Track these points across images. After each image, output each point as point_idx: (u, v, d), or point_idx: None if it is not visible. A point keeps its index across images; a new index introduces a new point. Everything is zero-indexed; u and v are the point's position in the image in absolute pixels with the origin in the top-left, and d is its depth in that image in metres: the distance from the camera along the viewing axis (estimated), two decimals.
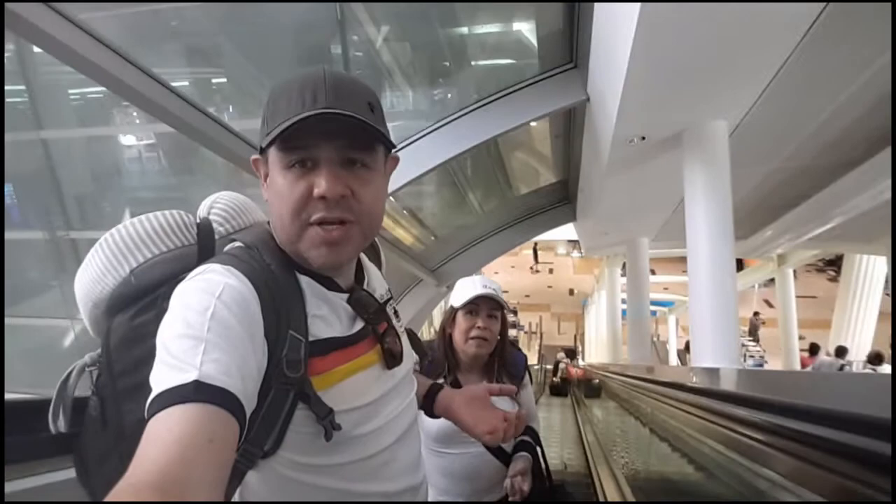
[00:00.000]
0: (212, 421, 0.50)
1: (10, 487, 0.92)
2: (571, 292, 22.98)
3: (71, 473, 0.86)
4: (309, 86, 0.67)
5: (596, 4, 2.64)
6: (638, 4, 1.99)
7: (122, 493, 0.43)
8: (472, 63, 3.89)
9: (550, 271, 24.81)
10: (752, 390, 0.99)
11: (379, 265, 0.95)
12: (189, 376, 0.52)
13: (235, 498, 0.68)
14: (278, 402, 0.64)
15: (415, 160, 3.57)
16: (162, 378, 0.53)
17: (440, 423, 1.46)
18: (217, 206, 0.83)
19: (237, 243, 0.73)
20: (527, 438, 1.63)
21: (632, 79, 2.61)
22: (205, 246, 0.78)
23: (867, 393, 0.72)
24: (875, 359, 7.19)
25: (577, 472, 4.55)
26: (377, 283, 0.86)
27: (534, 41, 3.67)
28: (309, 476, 0.68)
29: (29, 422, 0.86)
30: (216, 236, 0.80)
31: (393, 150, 0.77)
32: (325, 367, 0.69)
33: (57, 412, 0.73)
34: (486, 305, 1.60)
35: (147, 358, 0.57)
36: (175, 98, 1.81)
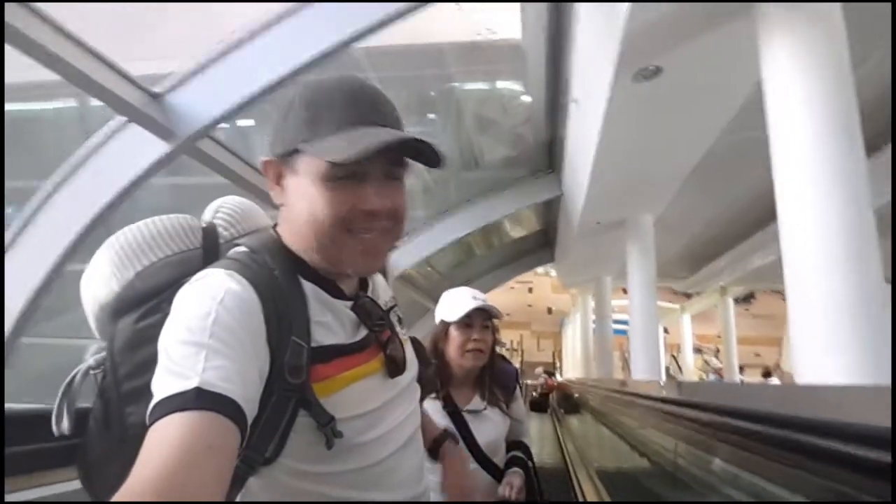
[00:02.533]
0: (212, 428, 0.51)
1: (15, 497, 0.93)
2: (550, 311, 24.58)
3: (70, 486, 0.90)
4: (350, 98, 0.69)
5: (569, 127, 4.22)
6: (597, 134, 3.44)
7: (122, 500, 0.44)
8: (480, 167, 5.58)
9: (530, 290, 26.35)
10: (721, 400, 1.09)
11: (385, 273, 0.94)
12: (190, 383, 0.52)
13: None
14: (280, 408, 0.64)
15: (430, 240, 5.23)
16: (163, 384, 0.54)
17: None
18: (222, 210, 0.85)
19: (241, 248, 0.73)
20: (518, 454, 1.67)
21: (592, 183, 4.28)
22: (209, 250, 0.79)
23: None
24: (765, 374, 9.04)
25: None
26: (381, 290, 0.86)
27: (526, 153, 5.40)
28: (310, 484, 0.69)
29: (32, 432, 0.86)
30: (221, 240, 0.81)
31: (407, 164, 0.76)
32: (327, 374, 0.69)
33: (61, 414, 0.74)
34: (480, 317, 1.62)
35: (151, 361, 0.58)
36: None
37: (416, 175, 5.58)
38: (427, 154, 0.71)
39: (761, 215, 5.89)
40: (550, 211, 6.75)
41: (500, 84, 4.94)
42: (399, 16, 2.28)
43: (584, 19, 2.75)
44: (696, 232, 6.48)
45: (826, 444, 0.56)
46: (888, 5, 2.43)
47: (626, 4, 2.18)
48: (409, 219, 0.79)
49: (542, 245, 8.09)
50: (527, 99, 4.67)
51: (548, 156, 5.22)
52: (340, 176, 0.67)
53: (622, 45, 2.40)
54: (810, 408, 0.68)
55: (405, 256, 5.23)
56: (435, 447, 1.07)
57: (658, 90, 2.75)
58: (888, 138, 4.18)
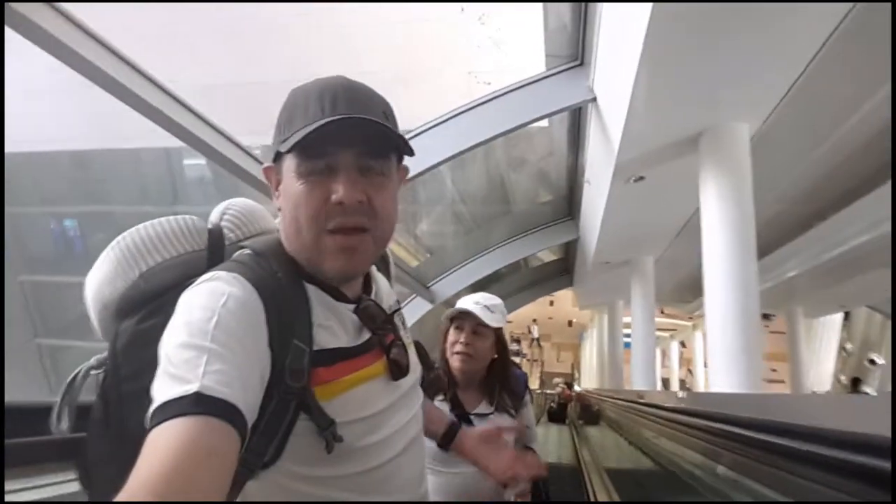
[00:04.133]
0: (212, 433, 0.51)
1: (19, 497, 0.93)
2: (570, 324, 25.44)
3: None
4: (327, 93, 0.69)
5: (584, 194, 5.42)
6: (602, 208, 4.71)
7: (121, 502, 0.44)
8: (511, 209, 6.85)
9: (551, 303, 27.18)
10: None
11: (388, 276, 0.96)
12: (190, 388, 0.52)
13: None
14: (280, 411, 0.65)
15: (470, 272, 6.48)
16: (163, 389, 0.54)
17: None
18: (229, 212, 0.85)
19: (245, 250, 0.74)
20: None
21: (600, 236, 5.50)
22: (214, 252, 0.79)
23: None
24: None
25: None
26: (385, 293, 0.87)
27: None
28: (310, 487, 0.69)
29: (32, 426, 0.87)
30: (226, 242, 0.81)
31: (404, 160, 0.78)
32: (329, 378, 0.70)
33: (61, 413, 0.74)
34: (472, 321, 1.61)
35: (153, 362, 0.58)
36: (185, 111, 2.07)
37: (458, 216, 6.87)
38: (399, 143, 0.72)
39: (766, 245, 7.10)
40: (569, 243, 7.95)
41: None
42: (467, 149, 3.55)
43: (593, 137, 3.99)
44: (696, 265, 7.62)
45: (829, 453, 0.56)
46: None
47: (618, 141, 3.41)
48: (399, 221, 0.76)
49: (561, 271, 9.29)
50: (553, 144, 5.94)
51: (568, 206, 6.45)
52: (311, 170, 0.69)
53: (616, 164, 3.64)
54: (814, 417, 0.69)
55: (448, 286, 6.47)
56: (447, 439, 1.08)
57: (644, 189, 3.99)
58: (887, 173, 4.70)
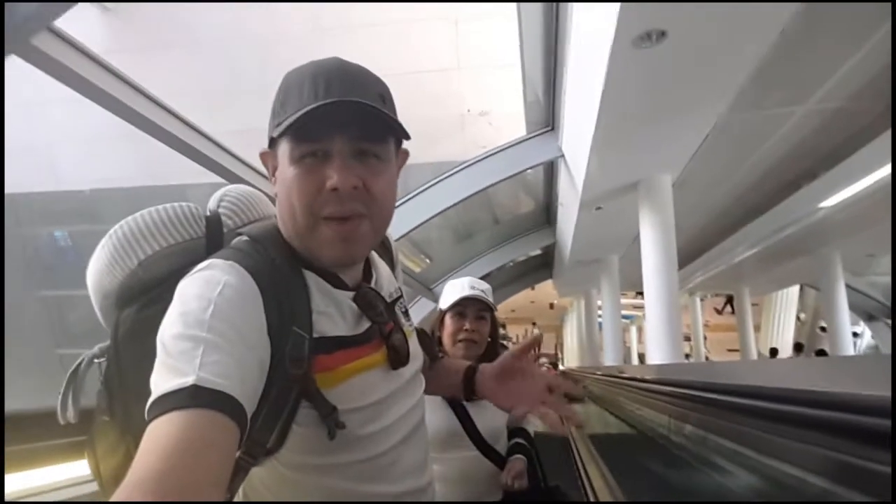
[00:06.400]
0: (210, 426, 0.51)
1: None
2: (552, 306, 26.90)
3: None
4: (320, 76, 0.68)
5: (559, 210, 6.83)
6: (573, 226, 6.14)
7: (119, 500, 0.44)
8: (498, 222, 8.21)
9: (532, 288, 28.61)
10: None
11: (391, 263, 0.95)
12: (187, 380, 0.52)
13: (239, 496, 0.68)
14: (281, 399, 0.65)
15: (466, 275, 7.84)
16: (161, 381, 0.54)
17: (433, 429, 1.47)
18: (227, 199, 0.85)
19: (243, 237, 0.74)
20: (521, 441, 1.69)
21: (573, 244, 6.93)
22: (213, 239, 0.79)
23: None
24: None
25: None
26: (386, 281, 0.87)
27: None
28: (312, 475, 0.70)
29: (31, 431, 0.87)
30: (224, 229, 0.81)
31: (404, 142, 0.77)
32: (329, 366, 0.70)
33: (66, 402, 0.75)
34: (475, 307, 1.63)
35: (154, 351, 0.58)
36: (171, 118, 2.19)
37: (452, 227, 8.19)
38: (395, 127, 0.71)
39: (703, 246, 8.64)
40: (548, 244, 9.36)
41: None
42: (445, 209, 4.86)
43: (563, 180, 5.34)
44: None
45: (828, 415, 0.57)
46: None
47: (581, 185, 4.76)
48: (395, 206, 0.77)
49: (542, 265, 10.73)
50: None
51: (546, 215, 7.83)
52: (305, 155, 0.68)
53: (580, 200, 5.02)
54: (807, 381, 0.70)
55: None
56: (468, 385, 1.01)
57: (604, 214, 5.41)
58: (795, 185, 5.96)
